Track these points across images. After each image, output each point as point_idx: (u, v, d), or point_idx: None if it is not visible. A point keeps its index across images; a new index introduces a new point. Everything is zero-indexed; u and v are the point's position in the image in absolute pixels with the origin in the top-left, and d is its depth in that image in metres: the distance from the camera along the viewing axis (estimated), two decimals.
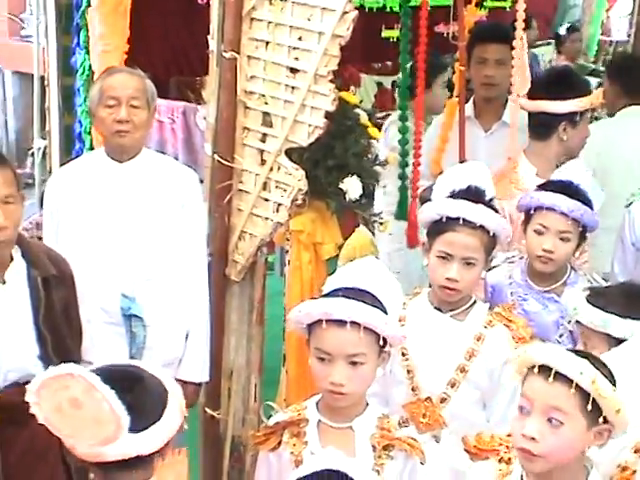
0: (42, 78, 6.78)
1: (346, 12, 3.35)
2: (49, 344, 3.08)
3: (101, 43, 6.20)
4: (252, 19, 3.63)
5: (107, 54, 6.27)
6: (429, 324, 3.23)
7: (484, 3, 8.98)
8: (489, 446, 2.58)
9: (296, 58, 3.54)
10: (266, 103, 3.66)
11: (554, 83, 4.24)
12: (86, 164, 3.79)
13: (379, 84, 8.44)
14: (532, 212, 3.66)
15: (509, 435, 2.50)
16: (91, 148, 5.83)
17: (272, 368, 4.33)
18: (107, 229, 3.64)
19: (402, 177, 4.42)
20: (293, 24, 3.52)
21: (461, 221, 3.17)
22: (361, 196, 3.99)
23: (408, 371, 3.23)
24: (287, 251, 4.14)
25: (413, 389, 3.22)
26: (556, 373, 2.29)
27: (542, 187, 3.73)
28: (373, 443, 2.68)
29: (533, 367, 2.34)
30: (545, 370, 2.31)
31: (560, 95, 4.13)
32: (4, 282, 3.05)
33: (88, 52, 6.14)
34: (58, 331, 3.11)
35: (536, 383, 2.33)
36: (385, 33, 8.80)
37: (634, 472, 2.53)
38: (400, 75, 4.91)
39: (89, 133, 6.16)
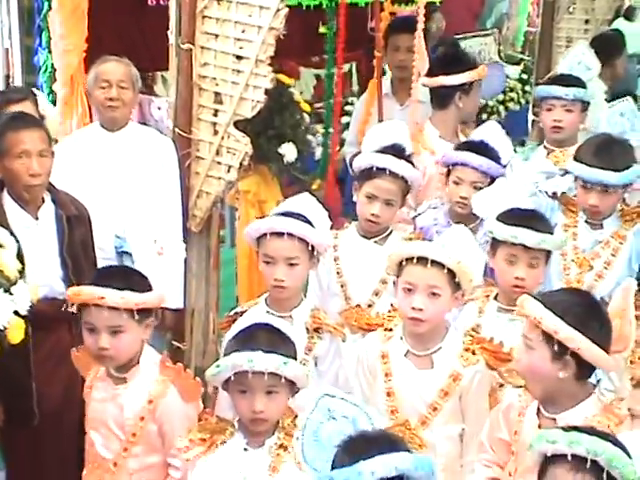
0: (7, 77, 7.76)
1: (279, 9, 4.48)
2: (70, 269, 4.14)
3: (62, 43, 6.97)
4: (204, 16, 4.72)
5: (68, 53, 7.13)
6: (357, 249, 4.43)
7: None
8: (376, 321, 3.77)
9: (240, 47, 4.63)
10: (217, 84, 4.76)
11: (447, 61, 5.49)
12: (84, 134, 5.06)
13: (317, 76, 9.45)
14: (451, 167, 4.84)
15: (389, 312, 3.70)
16: None
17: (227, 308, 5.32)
18: (102, 185, 4.81)
19: (324, 145, 5.64)
20: (237, 20, 4.60)
21: (387, 172, 4.37)
22: (296, 159, 5.19)
23: (341, 285, 4.42)
24: (237, 209, 5.30)
25: (346, 299, 4.40)
26: (432, 261, 3.48)
27: (459, 147, 4.93)
28: (307, 327, 3.84)
29: (412, 259, 3.52)
30: (422, 260, 3.49)
31: (453, 70, 5.35)
32: (37, 218, 4.14)
33: (50, 52, 6.84)
34: (77, 260, 4.17)
35: (416, 270, 3.52)
36: (322, 29, 9.64)
37: None
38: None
39: None
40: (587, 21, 7.55)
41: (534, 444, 2.66)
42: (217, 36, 4.71)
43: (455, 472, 3.56)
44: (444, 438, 3.56)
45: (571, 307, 3.10)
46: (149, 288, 3.59)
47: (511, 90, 9.32)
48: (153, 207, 4.84)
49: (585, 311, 3.12)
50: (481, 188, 4.67)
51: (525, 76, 9.60)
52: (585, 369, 3.13)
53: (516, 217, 3.98)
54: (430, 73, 5.42)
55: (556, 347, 3.06)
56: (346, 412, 2.83)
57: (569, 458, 2.55)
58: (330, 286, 4.41)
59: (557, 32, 7.60)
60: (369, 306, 4.31)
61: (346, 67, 9.27)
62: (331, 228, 4.24)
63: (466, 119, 5.44)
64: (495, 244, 3.98)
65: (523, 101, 9.33)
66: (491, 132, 5.00)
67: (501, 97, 9.03)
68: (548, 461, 2.63)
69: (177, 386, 3.51)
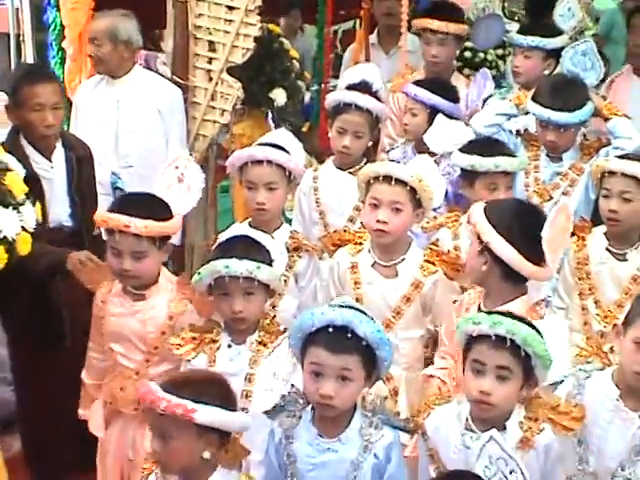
0: (17, 36, 8.33)
1: None
2: (77, 206, 4.74)
3: (69, 1, 7.56)
4: None
5: (75, 11, 7.57)
6: (334, 179, 5.01)
7: None
8: (347, 237, 4.35)
9: None
10: (210, 34, 5.39)
11: (434, 9, 6.04)
12: (95, 81, 5.74)
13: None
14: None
15: (359, 229, 4.30)
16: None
17: None
18: (105, 125, 5.50)
19: (317, 92, 6.26)
20: None
21: (353, 106, 4.94)
22: (286, 104, 5.80)
23: (320, 213, 4.99)
24: (233, 151, 5.88)
25: (325, 226, 4.98)
26: (396, 179, 4.05)
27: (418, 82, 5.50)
28: (287, 246, 4.42)
29: (377, 178, 4.10)
30: (386, 178, 4.07)
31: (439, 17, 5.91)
32: (51, 161, 4.72)
33: (58, 9, 7.30)
34: (83, 198, 4.77)
35: (382, 187, 4.08)
36: None
37: None
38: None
39: (62, 82, 7.71)
40: None
41: (461, 326, 3.23)
42: None
43: (416, 370, 4.14)
44: (406, 340, 4.13)
45: (502, 214, 3.71)
46: (170, 216, 4.04)
47: (510, 45, 9.74)
48: (149, 150, 5.52)
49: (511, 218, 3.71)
50: None
51: None
52: (510, 272, 3.67)
53: (487, 147, 4.62)
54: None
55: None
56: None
57: (492, 338, 3.11)
58: (311, 215, 5.00)
59: None
60: (345, 231, 4.86)
61: (350, 24, 9.86)
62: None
63: None
64: (471, 176, 4.57)
65: None
66: None
67: (500, 52, 9.47)
68: (472, 340, 3.18)
69: (194, 304, 4.00)
